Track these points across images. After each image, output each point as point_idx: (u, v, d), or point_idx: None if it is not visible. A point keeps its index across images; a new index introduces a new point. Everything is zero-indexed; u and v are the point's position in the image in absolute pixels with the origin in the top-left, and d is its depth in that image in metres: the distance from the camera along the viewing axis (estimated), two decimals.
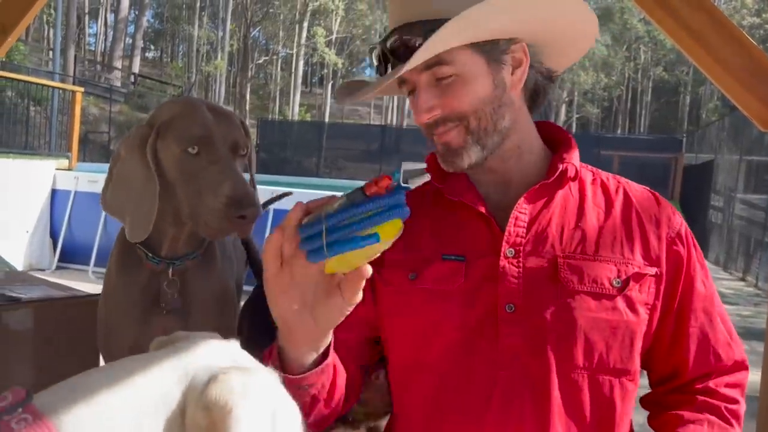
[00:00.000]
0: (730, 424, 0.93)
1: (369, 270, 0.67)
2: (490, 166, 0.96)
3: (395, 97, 34.99)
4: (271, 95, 35.51)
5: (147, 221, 1.13)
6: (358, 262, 0.66)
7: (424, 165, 0.66)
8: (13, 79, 9.45)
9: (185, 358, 0.55)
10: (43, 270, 6.79)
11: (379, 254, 0.66)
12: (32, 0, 1.99)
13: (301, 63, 32.74)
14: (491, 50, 0.90)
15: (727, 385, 0.96)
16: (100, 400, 0.50)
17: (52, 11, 16.16)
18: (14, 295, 1.39)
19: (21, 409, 0.47)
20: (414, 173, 0.65)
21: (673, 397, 0.97)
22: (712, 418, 0.93)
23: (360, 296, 0.70)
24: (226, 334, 1.24)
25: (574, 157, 0.98)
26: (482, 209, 0.94)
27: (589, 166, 1.02)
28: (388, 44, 0.91)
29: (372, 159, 22.01)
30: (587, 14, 0.92)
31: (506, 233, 0.92)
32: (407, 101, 0.99)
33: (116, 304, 1.23)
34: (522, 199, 0.93)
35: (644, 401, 1.01)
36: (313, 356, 0.77)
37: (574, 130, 38.14)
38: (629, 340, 0.90)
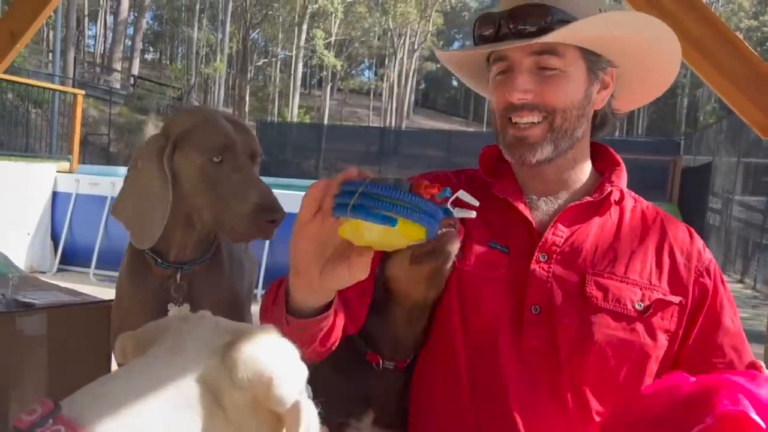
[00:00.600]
0: None
1: (366, 271, 0.71)
2: (546, 174, 1.01)
3: (394, 99, 35.00)
4: (270, 97, 35.51)
5: (157, 229, 1.16)
6: (370, 239, 0.66)
7: (476, 204, 0.69)
8: (13, 82, 9.44)
9: (196, 346, 0.55)
10: (44, 272, 6.80)
11: (391, 249, 0.67)
12: (40, 7, 2.02)
13: (300, 65, 32.75)
14: (594, 62, 0.97)
15: None
16: (129, 405, 0.50)
17: (52, 13, 16.16)
18: (27, 300, 1.41)
19: (52, 421, 0.46)
20: (463, 204, 0.67)
21: None
22: None
23: (365, 275, 0.71)
24: None
25: (622, 181, 1.02)
26: (526, 213, 0.98)
27: (633, 193, 1.07)
28: (510, 12, 0.94)
29: (371, 161, 22.02)
30: (674, 66, 1.01)
31: (543, 239, 0.96)
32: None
33: (127, 309, 1.25)
34: (565, 211, 0.98)
35: None
36: (313, 304, 0.79)
37: None
38: (641, 362, 0.92)
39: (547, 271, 0.94)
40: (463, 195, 0.68)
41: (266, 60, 38.05)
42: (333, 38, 32.91)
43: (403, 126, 31.95)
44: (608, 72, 0.99)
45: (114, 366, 1.35)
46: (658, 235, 1.00)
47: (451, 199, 0.66)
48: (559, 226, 0.97)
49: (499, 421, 0.91)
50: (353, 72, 43.15)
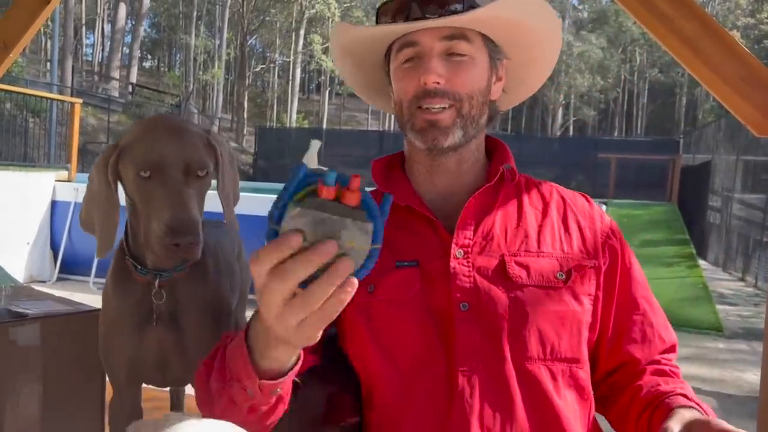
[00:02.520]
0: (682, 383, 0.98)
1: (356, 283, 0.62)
2: (448, 166, 1.01)
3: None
4: (268, 103, 35.58)
5: (110, 239, 1.17)
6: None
7: (323, 168, 0.62)
8: (11, 92, 9.45)
9: None
10: (44, 282, 6.80)
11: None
12: (33, 17, 2.01)
13: (298, 70, 32.81)
14: (494, 51, 1.00)
15: (671, 362, 1.02)
16: None
17: (49, 22, 16.20)
18: (20, 310, 1.40)
19: None
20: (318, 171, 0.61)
21: (627, 381, 1.00)
22: (666, 377, 0.98)
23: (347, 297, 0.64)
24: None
25: (510, 159, 1.05)
26: (429, 214, 0.99)
27: (524, 174, 1.09)
28: (417, 2, 0.95)
29: (370, 165, 22.01)
30: (552, 61, 1.07)
31: (455, 235, 0.96)
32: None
33: (112, 317, 1.25)
34: (469, 202, 0.98)
35: (598, 400, 1.01)
36: (289, 359, 0.73)
37: (571, 132, 38.23)
38: (577, 330, 0.94)
39: (467, 265, 0.94)
40: (310, 162, 0.64)
41: (264, 66, 38.11)
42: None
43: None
44: (503, 63, 1.02)
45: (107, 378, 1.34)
46: (558, 206, 1.03)
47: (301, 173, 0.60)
48: (467, 218, 0.98)
49: (462, 430, 0.88)
50: None
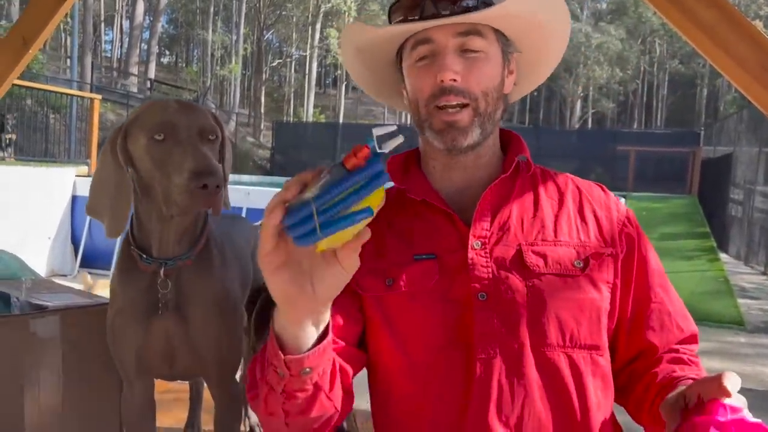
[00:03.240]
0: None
1: (368, 233, 0.66)
2: (465, 162, 1.01)
3: None
4: (285, 97, 35.67)
5: (123, 216, 1.19)
6: (348, 235, 0.64)
7: (394, 126, 0.65)
8: (32, 88, 9.58)
9: None
10: (65, 275, 6.90)
11: (365, 225, 0.64)
12: (51, 13, 2.03)
13: (315, 65, 32.85)
14: (506, 45, 1.00)
15: (691, 352, 1.00)
16: None
17: (69, 19, 16.36)
18: (40, 302, 1.42)
19: None
20: (386, 137, 0.64)
21: (644, 369, 0.99)
22: (682, 365, 0.96)
23: (357, 263, 0.68)
24: (228, 336, 1.26)
25: (525, 151, 1.05)
26: (446, 207, 0.99)
27: (539, 165, 1.09)
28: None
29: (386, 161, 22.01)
30: (559, 53, 1.06)
31: (472, 227, 0.96)
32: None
33: (119, 307, 1.26)
34: (486, 193, 0.98)
35: (619, 390, 1.01)
36: (313, 335, 0.75)
37: (590, 125, 37.88)
38: (596, 317, 0.94)
39: (485, 255, 0.94)
40: (377, 130, 0.65)
41: (281, 60, 38.21)
42: None
43: None
44: (514, 57, 1.02)
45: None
46: (574, 196, 1.03)
47: (375, 145, 0.63)
48: (484, 210, 0.98)
49: (480, 419, 0.89)
50: None
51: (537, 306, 0.92)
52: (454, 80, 0.94)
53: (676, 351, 1.00)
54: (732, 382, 0.71)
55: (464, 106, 0.95)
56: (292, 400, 0.79)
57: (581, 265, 0.95)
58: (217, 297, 1.29)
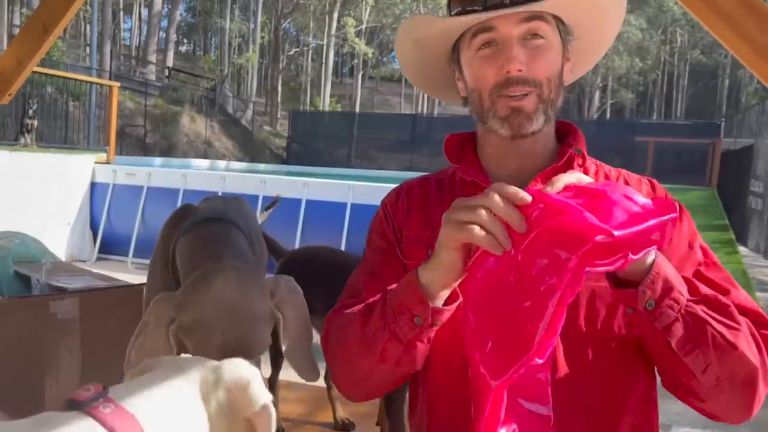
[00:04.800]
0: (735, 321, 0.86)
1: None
2: (522, 148, 1.01)
3: None
4: (302, 86, 35.68)
5: None
6: None
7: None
8: (52, 76, 9.67)
9: (190, 361, 0.68)
10: (83, 261, 6.98)
11: None
12: (71, 0, 2.05)
13: (332, 53, 32.78)
14: (565, 32, 1.00)
15: (740, 307, 0.90)
16: (152, 393, 0.61)
17: (88, 8, 16.47)
18: (60, 285, 1.45)
19: (102, 399, 0.55)
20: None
21: None
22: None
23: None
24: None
25: (582, 144, 1.04)
26: None
27: (595, 160, 1.08)
28: None
29: (403, 148, 21.98)
30: (611, 39, 1.06)
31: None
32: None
33: (157, 289, 1.30)
34: (535, 180, 0.98)
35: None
36: (444, 297, 0.86)
37: (608, 116, 37.48)
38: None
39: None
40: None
41: (298, 49, 38.18)
42: (364, 26, 32.82)
43: (435, 113, 31.76)
44: (571, 45, 1.01)
45: None
46: None
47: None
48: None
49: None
50: (385, 59, 42.99)
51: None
52: (520, 70, 0.93)
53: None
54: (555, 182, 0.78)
55: (529, 93, 0.95)
56: (412, 350, 0.89)
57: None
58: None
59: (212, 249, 1.37)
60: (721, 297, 0.87)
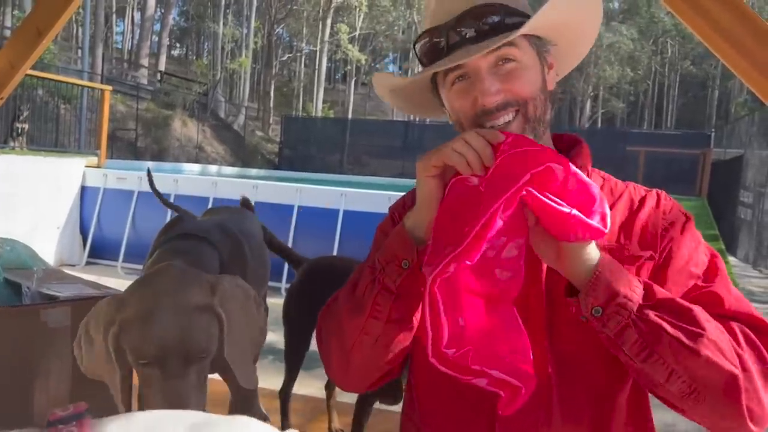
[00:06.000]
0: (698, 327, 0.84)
1: None
2: None
3: None
4: (294, 92, 35.66)
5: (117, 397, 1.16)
6: None
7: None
8: (43, 78, 9.62)
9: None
10: (73, 265, 6.93)
11: None
12: (66, 3, 2.03)
13: (325, 59, 32.81)
14: (539, 45, 0.97)
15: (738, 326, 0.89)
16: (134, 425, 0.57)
17: (81, 10, 16.41)
18: (52, 293, 1.43)
19: (75, 422, 0.54)
20: None
21: None
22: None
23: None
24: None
25: (586, 158, 1.04)
26: None
27: (602, 172, 1.07)
28: (459, 19, 0.92)
29: (395, 155, 21.99)
30: (594, 28, 1.02)
31: None
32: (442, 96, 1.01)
33: None
34: None
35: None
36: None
37: (599, 125, 37.69)
38: None
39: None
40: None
41: (291, 55, 38.19)
42: (357, 32, 32.89)
43: (428, 120, 31.83)
44: (549, 51, 0.99)
45: None
46: (626, 203, 1.01)
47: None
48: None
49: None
50: (378, 66, 43.05)
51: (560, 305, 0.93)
52: (497, 99, 0.92)
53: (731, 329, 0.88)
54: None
55: (513, 118, 0.93)
56: (401, 302, 0.92)
57: None
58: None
59: (165, 259, 1.35)
60: (681, 301, 0.85)
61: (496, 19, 0.91)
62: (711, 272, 0.96)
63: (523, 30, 0.89)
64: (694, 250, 0.98)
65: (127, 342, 1.13)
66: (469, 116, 0.95)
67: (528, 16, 0.91)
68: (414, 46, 1.00)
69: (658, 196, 1.04)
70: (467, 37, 0.91)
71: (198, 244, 1.45)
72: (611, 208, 0.99)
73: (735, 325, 0.88)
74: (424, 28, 0.97)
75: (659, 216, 1.00)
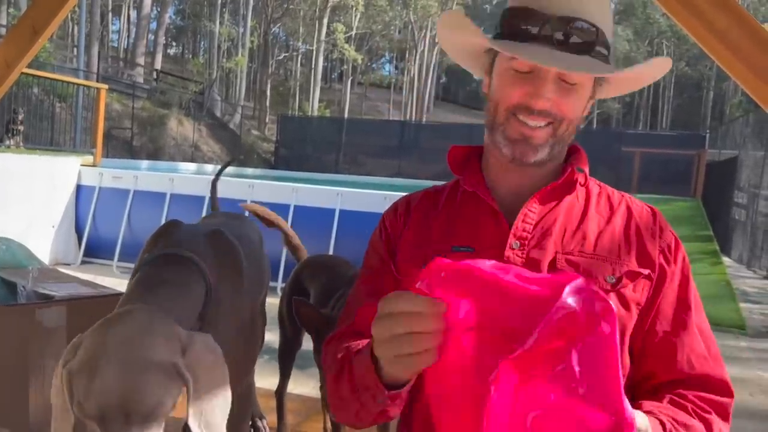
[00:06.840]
0: (696, 418, 0.89)
1: None
2: (526, 171, 1.02)
3: (414, 93, 34.90)
4: (291, 91, 35.63)
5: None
6: None
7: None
8: (39, 77, 9.58)
9: None
10: (68, 264, 6.91)
11: None
12: (61, 2, 2.03)
13: (321, 59, 32.78)
14: (599, 80, 1.01)
15: (702, 399, 0.92)
16: None
17: (77, 9, 16.35)
18: (47, 292, 1.42)
19: None
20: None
21: (642, 397, 0.95)
22: (675, 408, 0.90)
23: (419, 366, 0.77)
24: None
25: (584, 164, 1.05)
26: (493, 203, 1.01)
27: (598, 181, 1.08)
28: (555, 27, 0.93)
29: (392, 155, 22.00)
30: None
31: (514, 227, 0.98)
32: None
33: None
34: (533, 197, 1.00)
35: None
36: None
37: (594, 125, 37.77)
38: (620, 334, 0.90)
39: (521, 257, 0.96)
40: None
41: (287, 54, 38.16)
42: (354, 32, 32.89)
43: (424, 120, 31.85)
44: (601, 85, 1.03)
45: None
46: (624, 215, 1.03)
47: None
48: (528, 212, 0.99)
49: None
50: (374, 66, 43.08)
51: None
52: (546, 107, 0.94)
53: (682, 396, 0.92)
54: None
55: (545, 125, 0.95)
56: (385, 414, 0.88)
57: (613, 281, 0.95)
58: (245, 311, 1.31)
59: (142, 291, 1.26)
60: (685, 419, 0.87)
61: (590, 40, 0.94)
62: (691, 322, 0.98)
63: (612, 75, 0.95)
64: (691, 290, 1.01)
65: (74, 390, 1.04)
66: (511, 103, 0.96)
67: (608, 46, 0.96)
68: (511, 11, 0.98)
69: (654, 212, 1.06)
70: (558, 40, 0.93)
71: (181, 270, 1.33)
72: (608, 220, 1.01)
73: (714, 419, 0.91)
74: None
75: (656, 234, 1.02)
